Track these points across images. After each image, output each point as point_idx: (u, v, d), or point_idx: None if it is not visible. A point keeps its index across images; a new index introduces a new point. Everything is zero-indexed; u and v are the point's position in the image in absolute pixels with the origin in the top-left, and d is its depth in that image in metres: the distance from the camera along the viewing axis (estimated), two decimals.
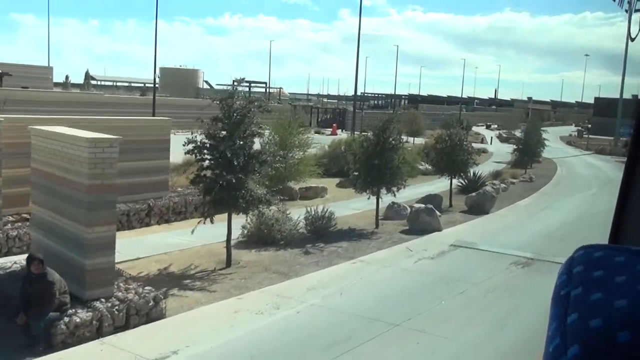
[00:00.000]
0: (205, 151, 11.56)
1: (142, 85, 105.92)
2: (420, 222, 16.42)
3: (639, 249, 0.67)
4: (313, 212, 15.21)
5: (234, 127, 11.49)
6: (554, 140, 69.87)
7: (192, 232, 11.62)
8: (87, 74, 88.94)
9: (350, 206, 19.52)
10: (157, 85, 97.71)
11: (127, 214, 14.73)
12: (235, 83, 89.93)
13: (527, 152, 35.10)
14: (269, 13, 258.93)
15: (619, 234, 1.16)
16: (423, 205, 16.72)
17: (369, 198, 16.77)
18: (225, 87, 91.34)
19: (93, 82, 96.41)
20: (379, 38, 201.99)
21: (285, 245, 14.06)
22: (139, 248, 12.88)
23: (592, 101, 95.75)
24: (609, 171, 38.95)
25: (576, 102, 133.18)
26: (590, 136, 72.38)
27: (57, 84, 73.98)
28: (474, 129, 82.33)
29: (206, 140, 11.58)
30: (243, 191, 11.35)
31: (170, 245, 13.40)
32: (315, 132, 51.03)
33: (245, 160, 11.51)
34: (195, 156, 11.64)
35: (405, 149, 18.64)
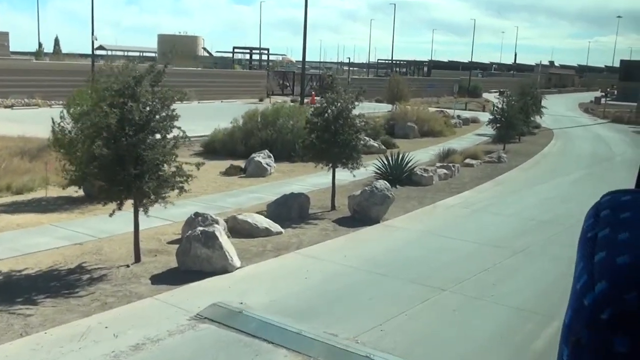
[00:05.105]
0: None
1: (154, 55, 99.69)
2: (193, 258, 8.99)
3: None
4: None
5: None
6: (571, 108, 60.46)
7: None
8: (56, 40, 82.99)
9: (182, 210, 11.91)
10: (155, 53, 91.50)
11: None
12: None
13: (506, 124, 26.90)
14: None
15: None
16: (199, 230, 9.20)
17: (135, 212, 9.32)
18: (224, 55, 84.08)
19: (102, 52, 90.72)
20: (409, 5, 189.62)
21: None
22: None
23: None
24: (616, 144, 30.31)
25: (605, 66, 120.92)
26: (613, 102, 62.78)
27: (31, 53, 68.22)
28: (485, 95, 73.11)
29: None
30: None
31: None
32: (292, 101, 43.50)
33: None
34: None
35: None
